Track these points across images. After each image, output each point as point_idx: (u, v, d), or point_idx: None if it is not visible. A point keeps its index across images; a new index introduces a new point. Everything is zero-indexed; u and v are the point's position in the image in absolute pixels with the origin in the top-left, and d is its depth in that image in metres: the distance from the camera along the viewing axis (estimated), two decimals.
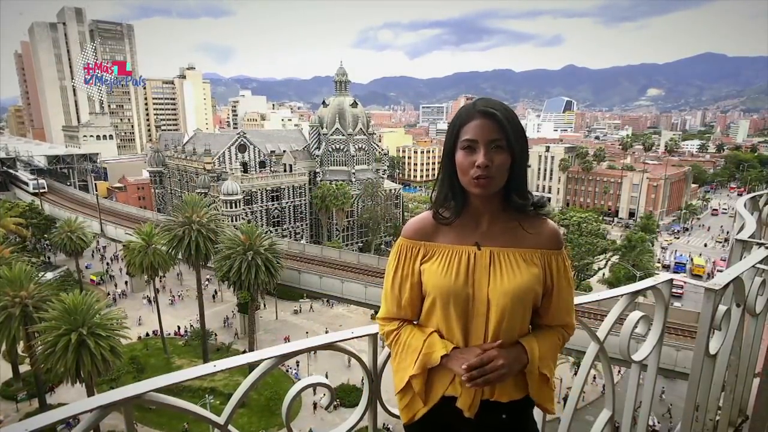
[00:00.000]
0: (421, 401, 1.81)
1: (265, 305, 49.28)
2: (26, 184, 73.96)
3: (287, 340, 39.47)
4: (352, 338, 2.08)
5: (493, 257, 1.75)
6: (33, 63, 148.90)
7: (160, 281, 49.65)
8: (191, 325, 45.24)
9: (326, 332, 44.77)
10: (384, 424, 27.32)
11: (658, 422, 30.30)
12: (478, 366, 1.63)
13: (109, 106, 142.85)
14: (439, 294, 1.75)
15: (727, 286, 2.55)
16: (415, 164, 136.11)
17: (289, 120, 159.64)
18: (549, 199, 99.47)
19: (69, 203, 69.07)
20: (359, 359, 2.13)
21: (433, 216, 1.83)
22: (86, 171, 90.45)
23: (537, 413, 2.16)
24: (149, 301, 47.70)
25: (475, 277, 1.74)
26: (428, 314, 1.82)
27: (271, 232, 46.01)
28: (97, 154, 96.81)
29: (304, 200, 71.89)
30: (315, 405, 31.83)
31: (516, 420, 1.84)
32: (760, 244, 3.28)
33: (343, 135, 74.30)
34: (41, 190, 71.97)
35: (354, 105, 76.46)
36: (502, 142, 1.66)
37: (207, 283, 53.42)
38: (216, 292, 52.59)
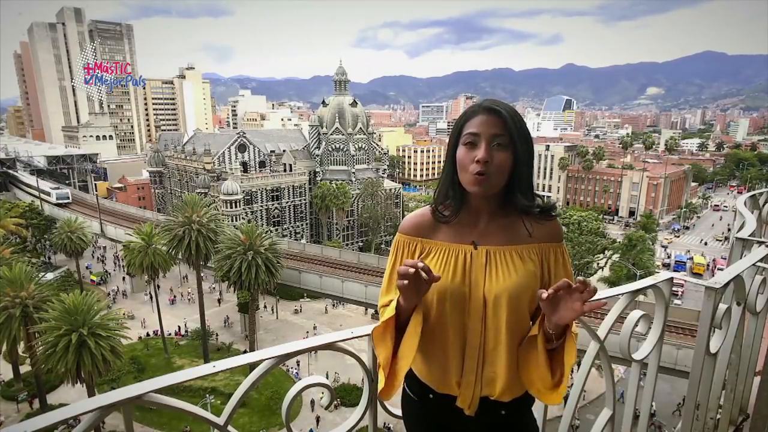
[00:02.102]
0: (391, 376, 1.73)
1: (267, 307, 49.29)
2: (48, 194, 64.93)
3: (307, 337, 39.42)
4: (352, 338, 2.08)
5: (489, 256, 1.74)
6: (32, 63, 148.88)
7: (157, 280, 49.54)
8: (185, 324, 45.26)
9: (314, 328, 45.20)
10: (384, 424, 27.34)
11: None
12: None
13: (108, 106, 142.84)
14: (435, 293, 1.73)
15: (727, 284, 2.55)
16: (415, 163, 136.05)
17: (289, 120, 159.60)
18: (549, 198, 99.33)
19: (96, 214, 58.85)
20: (359, 359, 2.13)
21: (432, 214, 1.82)
22: (86, 171, 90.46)
23: (537, 411, 2.16)
24: (151, 297, 47.55)
25: (471, 276, 1.73)
26: (425, 313, 1.80)
27: (271, 231, 45.94)
28: (97, 154, 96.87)
29: (304, 200, 71.94)
30: (318, 419, 31.62)
31: (515, 416, 1.84)
32: (761, 243, 3.27)
33: (343, 134, 74.32)
34: (65, 201, 64.03)
35: (354, 104, 76.47)
36: (505, 140, 1.65)
37: (214, 287, 53.02)
38: (220, 293, 52.55)
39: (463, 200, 1.78)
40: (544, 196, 1.87)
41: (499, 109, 1.66)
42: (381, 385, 1.78)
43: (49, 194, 65.46)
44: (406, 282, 1.52)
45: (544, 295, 1.50)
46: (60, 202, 63.70)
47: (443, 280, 1.73)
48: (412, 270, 1.51)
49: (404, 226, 1.87)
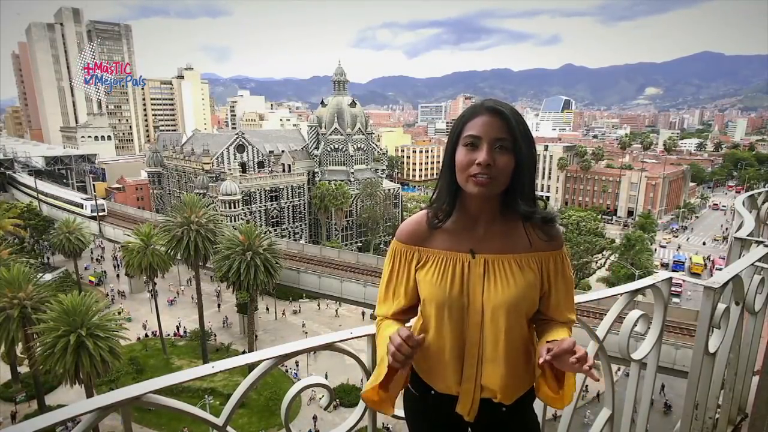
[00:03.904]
0: (389, 398, 1.79)
1: (268, 309, 49.19)
2: (80, 206, 59.33)
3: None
4: (351, 338, 2.08)
5: (487, 265, 1.70)
6: (30, 64, 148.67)
7: (155, 279, 49.46)
8: (179, 324, 45.23)
9: (303, 326, 45.17)
10: (383, 424, 27.32)
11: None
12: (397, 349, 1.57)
13: (107, 106, 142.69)
14: (434, 303, 1.73)
15: (726, 284, 2.55)
16: (414, 164, 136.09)
17: (288, 120, 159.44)
18: (547, 198, 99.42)
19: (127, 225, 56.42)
20: (358, 359, 2.13)
21: (427, 220, 1.77)
22: (84, 172, 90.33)
23: (537, 407, 2.16)
24: (152, 295, 47.45)
25: (469, 286, 1.70)
26: (424, 322, 1.80)
27: (269, 232, 45.87)
28: (95, 154, 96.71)
29: (303, 200, 71.87)
30: (315, 418, 31.36)
31: (516, 413, 1.84)
32: (759, 242, 3.28)
33: (342, 135, 74.29)
34: (101, 213, 58.55)
35: (352, 105, 76.46)
36: (508, 143, 1.59)
37: (218, 290, 52.41)
38: (218, 295, 52.41)
39: (459, 204, 1.74)
40: (543, 197, 1.83)
41: (503, 110, 1.61)
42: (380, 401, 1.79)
43: (81, 206, 59.36)
44: (402, 357, 1.56)
45: (541, 360, 1.53)
46: (95, 215, 57.85)
47: (441, 290, 1.71)
48: (407, 349, 1.55)
49: (401, 233, 1.83)
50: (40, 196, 67.25)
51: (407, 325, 1.90)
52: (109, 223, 58.59)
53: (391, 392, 1.78)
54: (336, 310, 49.89)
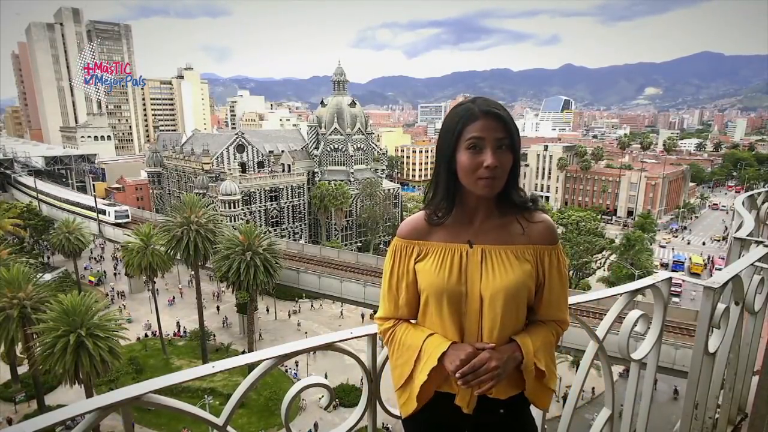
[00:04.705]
0: (420, 397, 1.81)
1: (269, 311, 49.18)
2: (103, 212, 58.36)
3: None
4: (351, 338, 2.08)
5: (485, 254, 1.76)
6: (30, 64, 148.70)
7: (154, 278, 49.40)
8: (177, 324, 45.18)
9: (298, 325, 45.18)
10: (383, 424, 27.32)
11: None
12: (470, 371, 1.62)
13: (107, 106, 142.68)
14: (432, 292, 1.76)
15: (726, 284, 2.55)
16: (414, 164, 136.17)
17: (288, 120, 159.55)
18: (547, 198, 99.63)
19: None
20: (358, 359, 2.13)
21: (426, 217, 1.83)
22: (84, 172, 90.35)
23: (536, 410, 2.16)
24: (153, 294, 47.40)
25: (467, 274, 1.75)
26: (423, 312, 1.83)
27: (269, 232, 45.81)
28: (95, 154, 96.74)
29: (303, 200, 71.89)
30: (316, 425, 31.32)
31: (514, 416, 1.85)
32: (759, 242, 3.28)
33: (342, 135, 74.30)
34: (124, 220, 58.14)
35: (352, 105, 76.47)
36: (507, 142, 1.68)
37: (223, 291, 51.93)
38: (218, 296, 52.35)
39: (457, 201, 1.79)
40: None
41: (499, 113, 1.68)
42: (409, 407, 1.83)
43: (104, 212, 58.59)
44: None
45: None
46: (119, 221, 57.69)
47: (440, 279, 1.75)
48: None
49: (401, 230, 1.89)
50: (57, 203, 66.32)
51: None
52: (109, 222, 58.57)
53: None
54: (341, 311, 49.82)
